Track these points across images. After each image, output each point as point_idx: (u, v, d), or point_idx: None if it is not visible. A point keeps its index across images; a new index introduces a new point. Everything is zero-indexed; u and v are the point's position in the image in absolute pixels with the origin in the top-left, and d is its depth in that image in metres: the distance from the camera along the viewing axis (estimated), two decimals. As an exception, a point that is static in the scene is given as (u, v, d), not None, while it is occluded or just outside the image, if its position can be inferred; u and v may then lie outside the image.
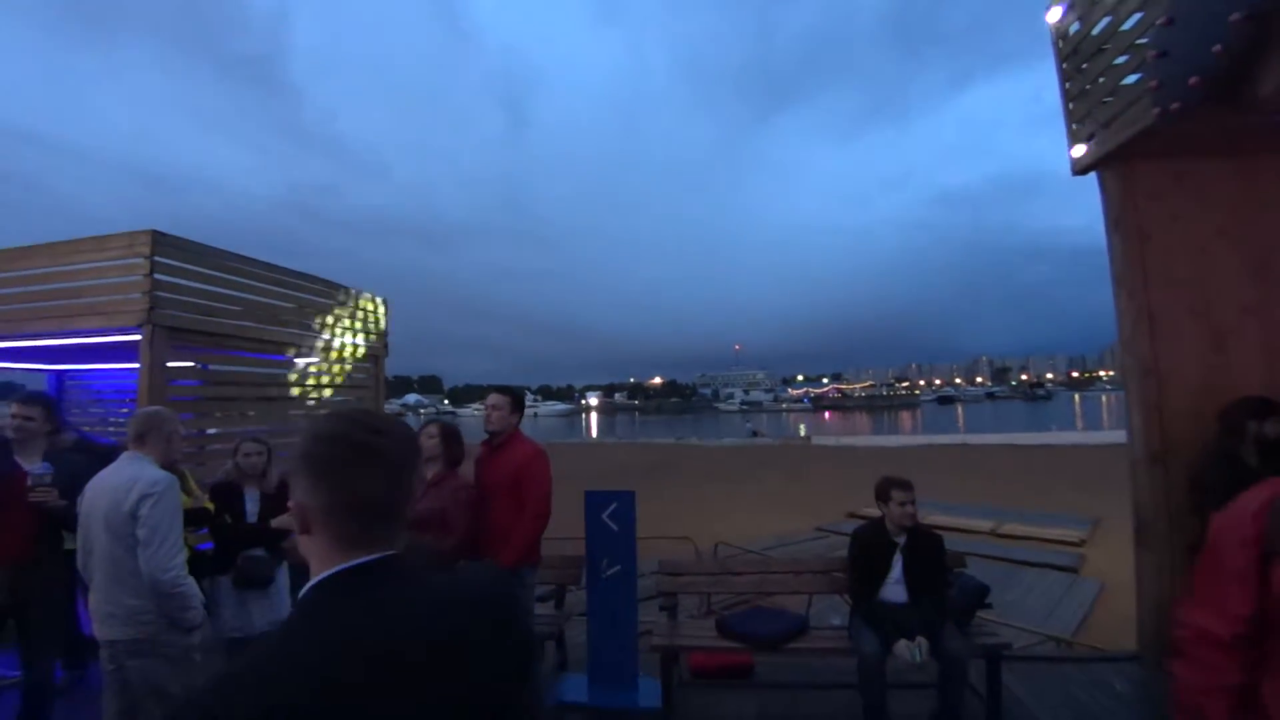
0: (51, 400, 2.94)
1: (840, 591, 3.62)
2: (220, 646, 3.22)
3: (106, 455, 3.28)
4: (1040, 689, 3.33)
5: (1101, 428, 34.40)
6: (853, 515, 9.99)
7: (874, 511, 3.36)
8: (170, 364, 4.28)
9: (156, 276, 4.08)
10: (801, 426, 47.78)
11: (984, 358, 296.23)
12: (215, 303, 4.62)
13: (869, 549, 3.20)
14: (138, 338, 4.10)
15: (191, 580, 2.42)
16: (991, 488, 12.41)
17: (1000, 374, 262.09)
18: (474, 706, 0.77)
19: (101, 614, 2.32)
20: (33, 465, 2.79)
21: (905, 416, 69.85)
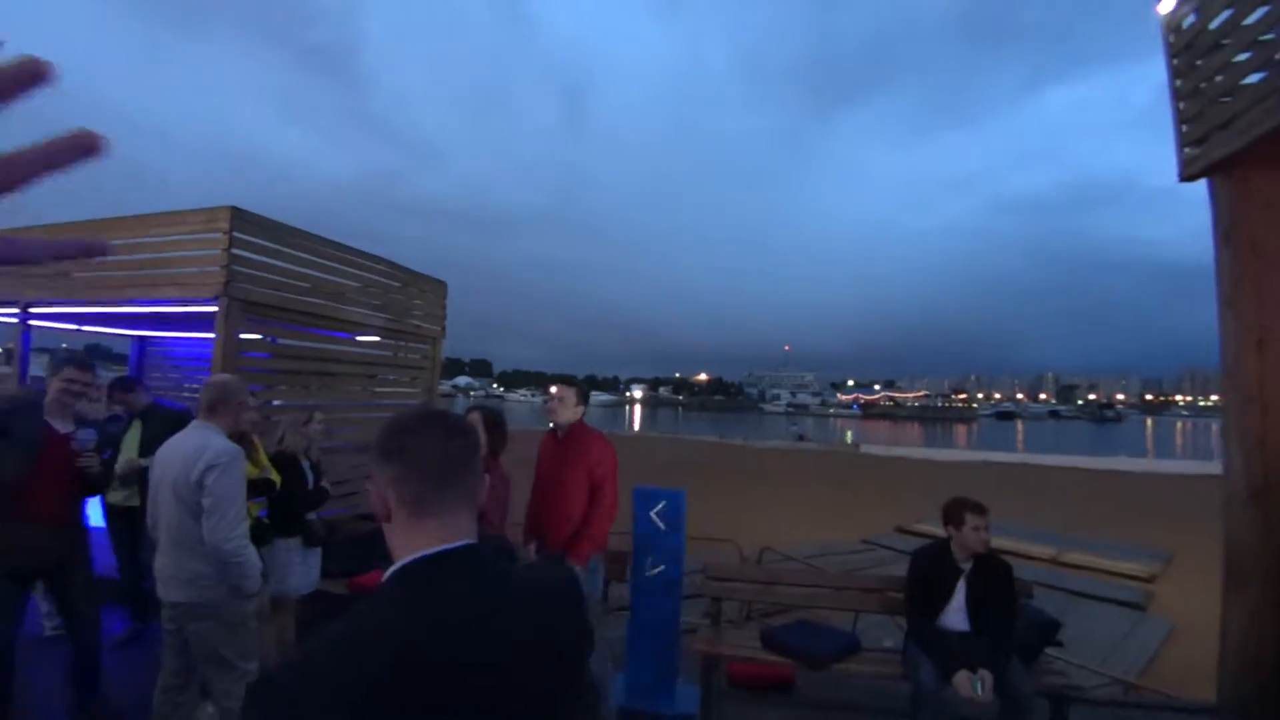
0: (93, 366, 2.99)
1: (893, 612, 3.46)
2: (290, 606, 3.38)
3: (179, 419, 3.42)
4: (1108, 736, 3.09)
5: (1175, 456, 32.17)
6: (902, 530, 9.63)
7: (927, 528, 3.18)
8: (242, 335, 4.45)
9: (234, 251, 4.25)
10: (849, 433, 46.61)
11: (1049, 373, 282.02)
12: (286, 279, 4.78)
13: (931, 572, 3.03)
14: (214, 309, 4.28)
15: (252, 549, 2.48)
16: (1053, 513, 11.74)
17: (1066, 392, 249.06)
18: (549, 696, 0.80)
19: (165, 576, 2.40)
20: (79, 430, 2.83)
21: (960, 430, 67.24)
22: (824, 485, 15.51)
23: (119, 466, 3.61)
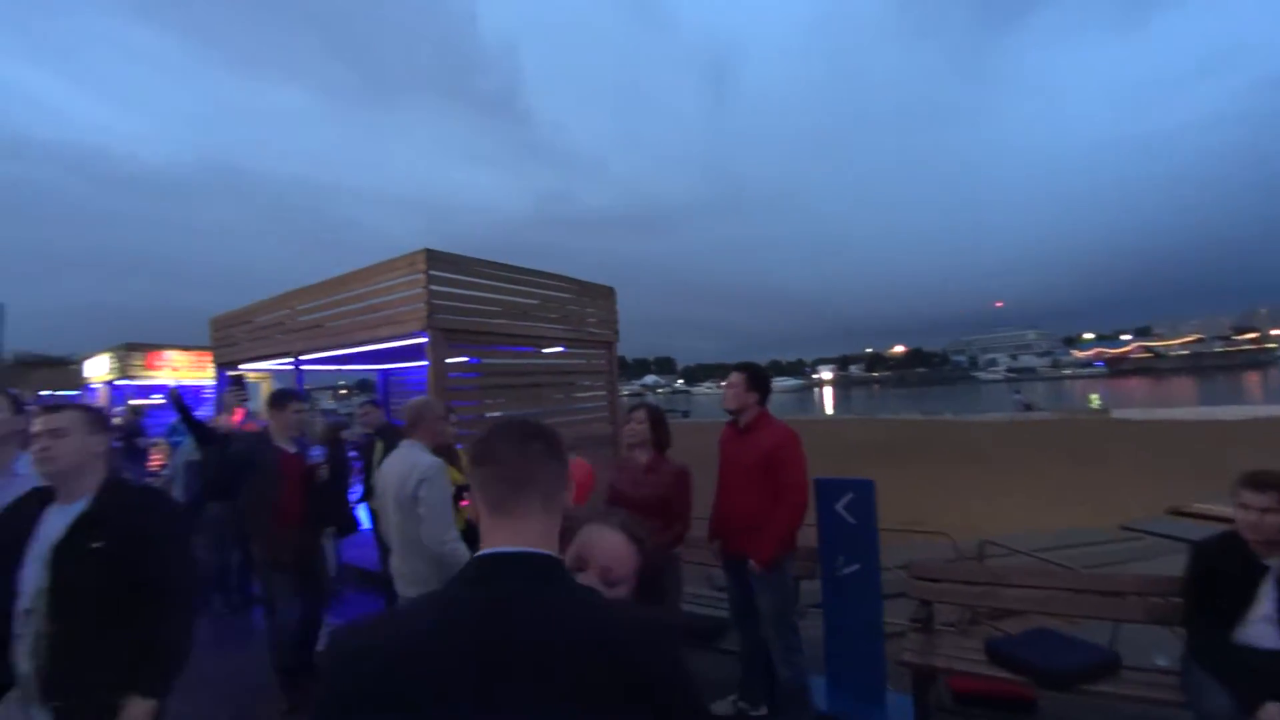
0: (300, 396, 3.86)
1: (1166, 621, 2.76)
2: None
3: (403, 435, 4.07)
4: None
5: None
6: (1176, 513, 7.78)
7: (1216, 509, 2.44)
8: (448, 360, 5.05)
9: (432, 288, 4.83)
10: (1094, 396, 39.17)
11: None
12: (477, 305, 5.33)
13: (1221, 570, 2.34)
14: (423, 340, 4.92)
15: (464, 549, 2.77)
16: None
17: None
18: None
19: (398, 574, 2.79)
20: (311, 450, 3.60)
21: (1252, 379, 53.08)
22: (1061, 461, 13.25)
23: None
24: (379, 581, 4.67)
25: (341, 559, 5.04)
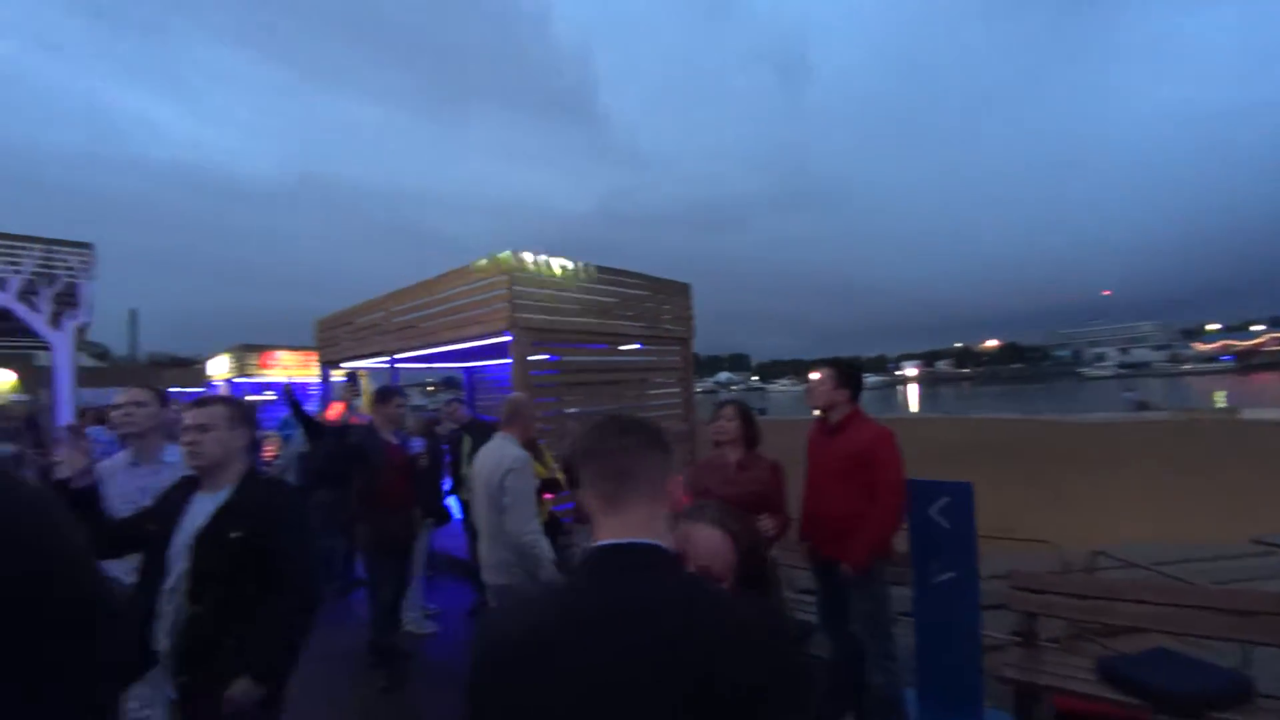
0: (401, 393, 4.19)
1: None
2: None
3: (493, 430, 4.28)
4: None
5: None
6: (1325, 525, 6.89)
7: None
8: (530, 358, 5.23)
9: (515, 289, 5.02)
10: (1219, 394, 35.24)
11: None
12: (557, 304, 5.48)
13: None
14: (507, 339, 5.12)
15: (545, 541, 2.88)
16: None
17: None
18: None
19: (484, 562, 2.93)
20: (410, 441, 3.95)
21: None
22: (1181, 466, 12.04)
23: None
24: (467, 568, 4.91)
25: (433, 546, 5.34)
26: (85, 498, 1.87)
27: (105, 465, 2.49)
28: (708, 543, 1.12)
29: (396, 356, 6.75)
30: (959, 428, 22.48)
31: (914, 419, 30.97)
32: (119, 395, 2.61)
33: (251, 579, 1.78)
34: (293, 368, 11.57)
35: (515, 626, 0.84)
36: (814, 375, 3.02)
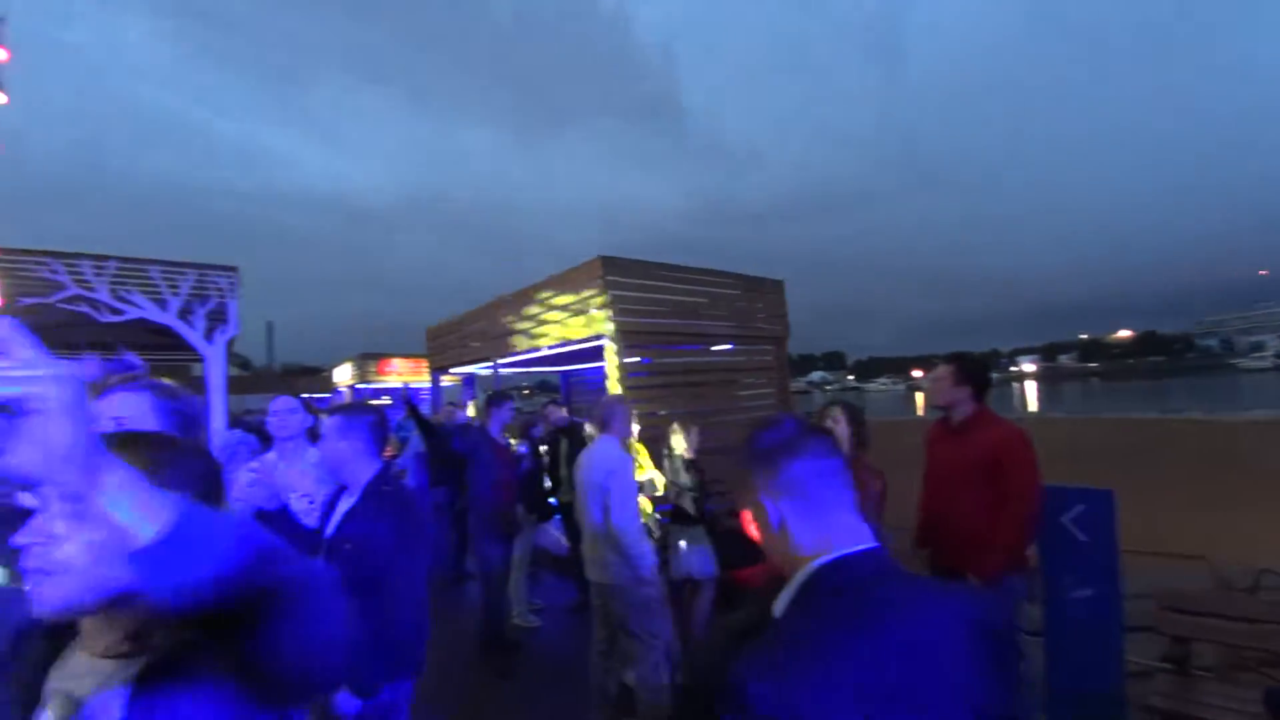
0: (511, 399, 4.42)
1: None
2: (696, 589, 3.83)
3: (584, 432, 4.43)
4: None
5: None
6: None
7: None
8: (626, 360, 5.33)
9: (610, 293, 5.13)
10: None
11: None
12: (651, 306, 5.55)
13: None
14: (603, 343, 5.24)
15: (647, 541, 2.92)
16: None
17: None
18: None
19: (588, 560, 3.02)
20: (518, 443, 4.20)
21: None
22: (1377, 473, 10.25)
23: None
24: (567, 565, 5.08)
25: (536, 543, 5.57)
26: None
27: (256, 467, 2.80)
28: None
29: (499, 361, 7.11)
30: (1088, 428, 20.41)
31: (1034, 419, 28.44)
32: (272, 403, 2.92)
33: (367, 584, 1.79)
34: (406, 373, 12.49)
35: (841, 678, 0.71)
36: (935, 370, 2.86)
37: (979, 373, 2.78)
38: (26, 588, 0.70)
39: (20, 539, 0.67)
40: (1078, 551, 2.75)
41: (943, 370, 2.78)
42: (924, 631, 0.73)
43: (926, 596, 0.78)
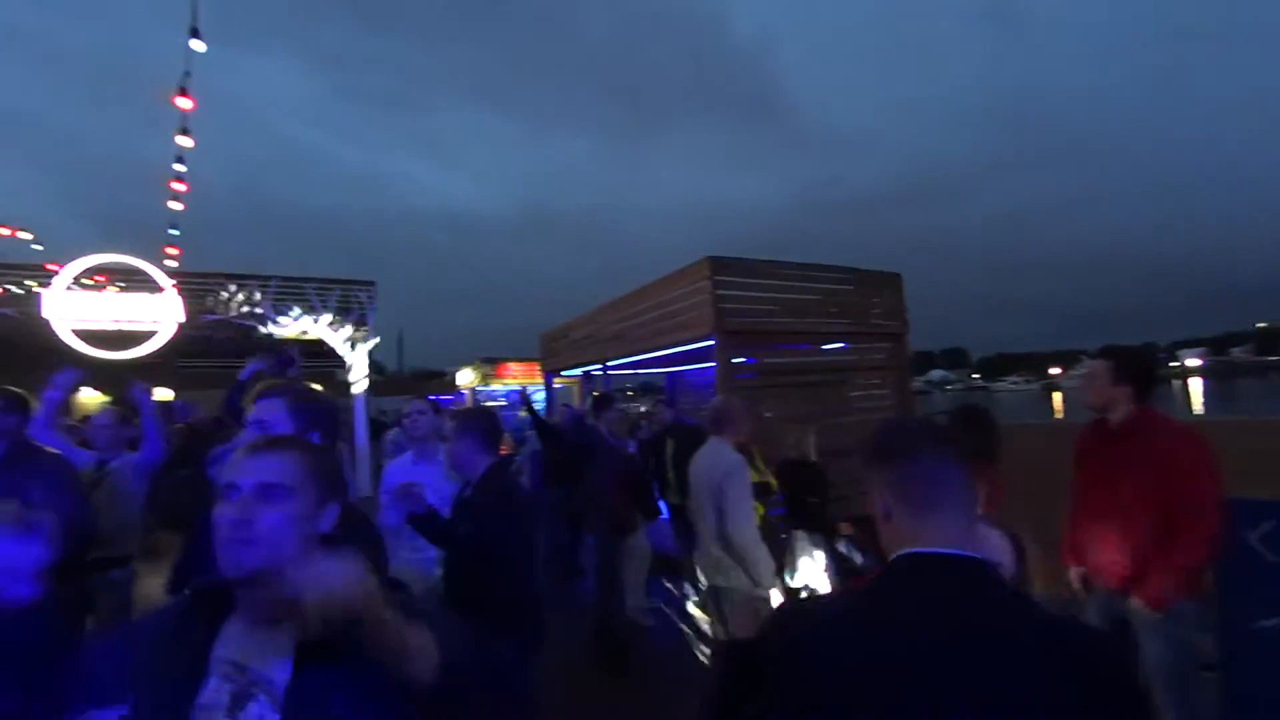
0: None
1: None
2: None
3: (694, 433, 4.42)
4: None
5: None
6: None
7: None
8: (734, 360, 5.28)
9: (718, 293, 5.11)
10: None
11: None
12: (759, 305, 5.47)
13: None
14: (711, 343, 5.23)
15: (763, 546, 2.87)
16: None
17: None
18: None
19: (703, 562, 3.04)
20: (627, 443, 4.31)
21: None
22: None
23: None
24: (677, 565, 5.10)
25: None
26: None
27: (394, 464, 3.09)
28: (993, 547, 1.04)
29: (609, 364, 7.30)
30: (1268, 432, 17.39)
31: (1202, 423, 24.77)
32: (411, 406, 3.20)
33: (483, 579, 1.97)
34: (522, 376, 13.19)
35: (857, 645, 0.78)
36: (1067, 370, 2.59)
37: (1140, 369, 2.46)
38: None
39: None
40: (1267, 574, 2.37)
41: (1097, 366, 2.48)
42: (980, 646, 0.73)
43: (1006, 612, 0.78)
